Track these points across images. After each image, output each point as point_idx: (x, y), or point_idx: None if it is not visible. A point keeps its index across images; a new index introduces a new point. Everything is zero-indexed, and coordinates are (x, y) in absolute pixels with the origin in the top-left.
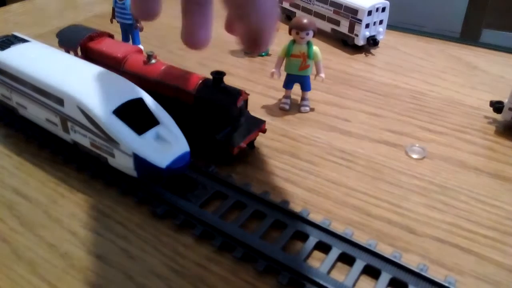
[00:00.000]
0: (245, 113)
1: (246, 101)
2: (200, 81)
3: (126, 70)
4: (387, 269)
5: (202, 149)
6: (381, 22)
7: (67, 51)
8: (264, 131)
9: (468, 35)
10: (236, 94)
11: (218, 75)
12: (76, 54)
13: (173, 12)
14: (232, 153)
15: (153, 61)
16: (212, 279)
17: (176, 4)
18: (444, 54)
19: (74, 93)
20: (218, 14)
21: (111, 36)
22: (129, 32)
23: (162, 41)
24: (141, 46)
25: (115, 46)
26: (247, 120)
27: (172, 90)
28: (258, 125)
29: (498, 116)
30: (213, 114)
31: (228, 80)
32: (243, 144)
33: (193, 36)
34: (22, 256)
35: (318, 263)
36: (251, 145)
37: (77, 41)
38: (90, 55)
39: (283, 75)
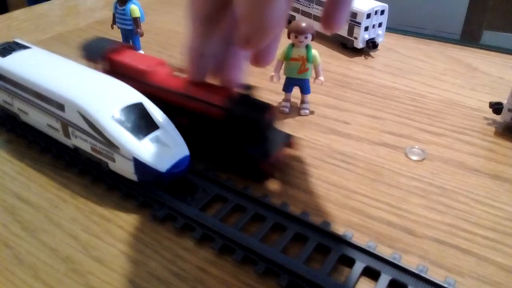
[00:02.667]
0: (273, 127)
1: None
2: (229, 95)
3: (152, 83)
4: (387, 271)
5: (230, 164)
6: (380, 24)
7: (92, 64)
8: (292, 146)
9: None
10: (266, 108)
11: (248, 89)
12: (101, 67)
13: (173, 17)
14: (262, 168)
15: (181, 74)
16: (212, 282)
17: (177, 10)
18: (443, 56)
19: (75, 98)
20: None
21: (133, 49)
22: (130, 37)
23: (162, 46)
24: (141, 51)
25: (140, 59)
26: (275, 134)
27: (200, 104)
28: (286, 140)
29: (498, 117)
30: (242, 128)
31: None
32: (273, 159)
33: (227, 78)
34: (24, 260)
35: (318, 265)
36: (280, 160)
37: (102, 54)
38: (114, 68)
39: (283, 78)
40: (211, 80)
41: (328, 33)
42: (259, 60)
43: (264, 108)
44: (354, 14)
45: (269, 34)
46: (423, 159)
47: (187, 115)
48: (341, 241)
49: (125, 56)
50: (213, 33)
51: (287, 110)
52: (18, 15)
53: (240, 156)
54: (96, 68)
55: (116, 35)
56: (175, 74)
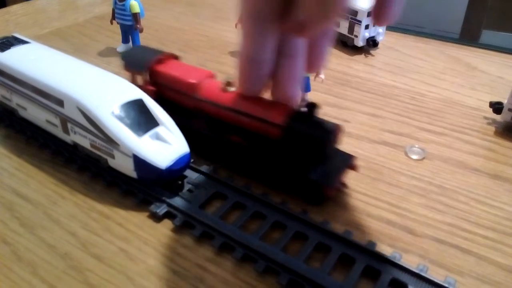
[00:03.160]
0: (335, 147)
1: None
2: (289, 112)
3: (201, 97)
4: (387, 270)
5: (288, 187)
6: None
7: (134, 76)
8: (355, 168)
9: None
10: (333, 128)
11: (312, 107)
12: (144, 79)
13: (172, 13)
14: (326, 194)
15: (232, 88)
16: (212, 280)
17: (176, 6)
18: (443, 55)
19: (74, 94)
20: (218, 15)
21: (177, 58)
22: (129, 33)
23: (162, 42)
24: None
25: (187, 70)
26: (337, 155)
27: (255, 122)
28: (347, 161)
29: (498, 117)
30: (305, 150)
31: None
32: (338, 184)
33: (283, 93)
34: (22, 257)
35: (318, 264)
36: (343, 184)
37: (145, 65)
38: (158, 80)
39: None
40: (265, 95)
41: (379, 26)
42: (312, 64)
43: (329, 127)
44: (354, 12)
45: (331, 17)
46: (423, 158)
47: (240, 133)
48: (341, 240)
49: (170, 67)
50: (268, 35)
51: None
52: (16, 9)
53: (301, 180)
54: (133, 81)
55: (115, 30)
56: (226, 88)
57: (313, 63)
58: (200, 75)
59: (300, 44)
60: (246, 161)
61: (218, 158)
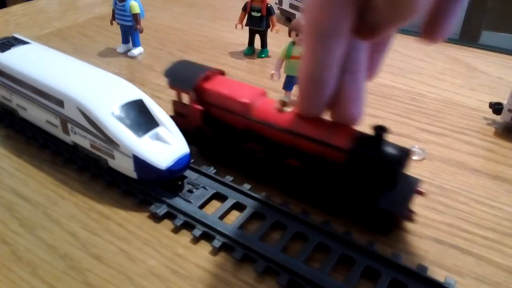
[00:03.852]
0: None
1: None
2: (355, 135)
3: (255, 118)
4: (387, 271)
5: (353, 215)
6: None
7: (179, 94)
8: (422, 193)
9: (468, 36)
10: (404, 153)
11: (380, 130)
12: (191, 97)
13: (172, 14)
14: (397, 223)
15: (288, 108)
16: (211, 280)
17: (176, 6)
18: (443, 56)
19: (74, 94)
20: (217, 16)
21: (223, 74)
22: (129, 33)
23: (161, 42)
24: (140, 48)
25: (237, 88)
26: (405, 181)
27: (315, 145)
28: (414, 185)
29: (497, 118)
30: (373, 176)
31: None
32: (408, 212)
33: (345, 113)
34: (22, 257)
35: (318, 264)
36: (412, 211)
37: (192, 82)
38: (206, 98)
39: (283, 76)
40: (324, 115)
41: (431, 43)
42: (371, 72)
43: (400, 152)
44: None
45: (405, 16)
46: (423, 158)
47: (298, 156)
48: (341, 240)
49: (219, 84)
50: (333, 52)
51: None
52: (16, 10)
53: (369, 208)
54: (179, 99)
55: (115, 30)
56: (281, 108)
57: (372, 70)
58: (252, 93)
59: (363, 59)
60: (304, 186)
61: (273, 182)
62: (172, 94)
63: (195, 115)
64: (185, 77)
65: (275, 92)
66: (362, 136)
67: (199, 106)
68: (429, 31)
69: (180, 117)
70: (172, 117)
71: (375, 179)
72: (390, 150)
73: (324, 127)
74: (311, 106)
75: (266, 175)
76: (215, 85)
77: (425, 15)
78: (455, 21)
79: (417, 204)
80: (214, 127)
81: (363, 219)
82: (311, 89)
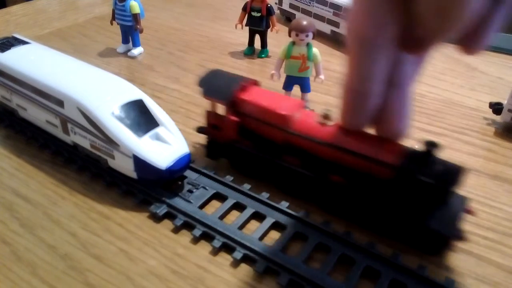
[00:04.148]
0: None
1: None
2: (403, 151)
3: (295, 131)
4: (387, 271)
5: (400, 234)
6: None
7: (214, 104)
8: (471, 213)
9: None
10: (456, 170)
11: (431, 146)
12: (226, 108)
13: (172, 14)
14: (448, 244)
15: (329, 121)
16: (211, 280)
17: (176, 6)
18: (443, 56)
19: (74, 94)
20: (217, 16)
21: (257, 83)
22: (129, 33)
23: (161, 42)
24: (140, 48)
25: (274, 99)
26: (455, 199)
27: (360, 160)
28: (462, 204)
29: (497, 118)
30: (423, 194)
31: None
32: (459, 232)
33: (391, 128)
34: (22, 257)
35: (318, 264)
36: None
37: (228, 93)
38: (242, 109)
39: (283, 76)
40: (368, 129)
41: (469, 55)
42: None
43: (453, 170)
44: None
45: (452, 28)
46: None
47: (341, 171)
48: (341, 240)
49: (255, 95)
50: (379, 63)
51: None
52: (16, 10)
53: (419, 228)
54: (213, 110)
55: (115, 30)
56: (323, 121)
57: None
58: (290, 105)
59: (409, 72)
60: (347, 203)
61: (312, 198)
62: (195, 104)
63: (230, 127)
64: (220, 87)
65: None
66: (411, 152)
67: (235, 118)
68: (467, 42)
69: (213, 128)
70: (204, 128)
71: (425, 198)
72: (441, 167)
73: (369, 141)
74: (354, 118)
75: (305, 191)
76: (251, 96)
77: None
78: (496, 31)
79: None
80: (250, 139)
81: (411, 240)
82: (355, 101)
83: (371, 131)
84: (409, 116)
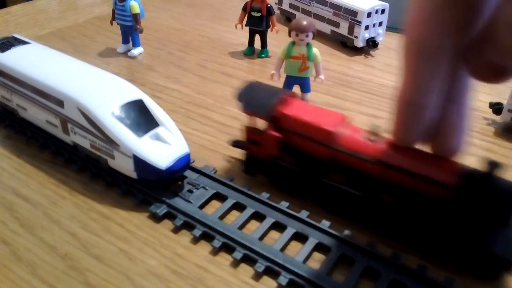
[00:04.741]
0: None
1: None
2: (461, 170)
3: (341, 147)
4: (387, 270)
5: (456, 258)
6: (380, 24)
7: (253, 119)
8: None
9: None
10: None
11: (493, 166)
12: (268, 123)
13: (172, 14)
14: (510, 269)
15: (378, 138)
16: (211, 280)
17: (176, 6)
18: None
19: (74, 94)
20: (218, 16)
21: (295, 96)
22: (129, 34)
23: (161, 42)
24: (140, 48)
25: (317, 114)
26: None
27: (413, 179)
28: None
29: (497, 118)
30: (484, 216)
31: (228, 81)
32: None
33: (447, 145)
34: (22, 257)
35: (318, 264)
36: None
37: (269, 107)
38: (283, 124)
39: (283, 76)
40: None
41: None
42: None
43: None
44: (354, 13)
45: None
46: None
47: (392, 190)
48: (341, 240)
49: (298, 110)
50: (437, 75)
51: None
52: (16, 10)
53: (477, 251)
54: (253, 125)
55: (115, 30)
56: (371, 137)
57: None
58: (335, 119)
59: (468, 87)
60: (397, 223)
61: (360, 218)
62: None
63: (271, 143)
64: (260, 101)
65: None
66: (470, 171)
67: (276, 133)
68: (437, 149)
69: (252, 144)
70: (241, 142)
71: (485, 220)
72: (503, 186)
73: (423, 159)
74: (408, 133)
75: (351, 211)
76: (293, 110)
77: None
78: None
79: None
80: (292, 156)
81: (467, 263)
82: (410, 114)
83: (423, 148)
84: (466, 132)
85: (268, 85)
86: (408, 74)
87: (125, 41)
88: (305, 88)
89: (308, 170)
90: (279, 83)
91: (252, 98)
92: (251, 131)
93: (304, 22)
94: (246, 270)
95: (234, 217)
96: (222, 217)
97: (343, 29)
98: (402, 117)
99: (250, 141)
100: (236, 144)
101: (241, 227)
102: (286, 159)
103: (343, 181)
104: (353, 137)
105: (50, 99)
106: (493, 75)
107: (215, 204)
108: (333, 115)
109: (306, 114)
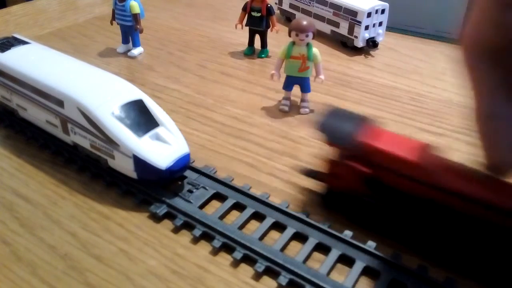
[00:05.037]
0: None
1: None
2: None
3: (441, 185)
4: (387, 271)
5: None
6: (380, 24)
7: (337, 151)
8: None
9: None
10: None
11: None
12: (355, 158)
13: (172, 14)
14: None
15: (479, 174)
16: (211, 280)
17: (176, 6)
18: (443, 56)
19: (74, 94)
20: (218, 16)
21: (376, 123)
22: (129, 34)
23: (161, 42)
24: (140, 48)
25: (408, 147)
26: None
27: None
28: None
29: None
30: None
31: (228, 81)
32: None
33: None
34: (22, 257)
35: (318, 264)
36: None
37: (355, 139)
38: (372, 159)
39: (283, 76)
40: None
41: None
42: None
43: None
44: (354, 13)
45: None
46: None
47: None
48: (341, 240)
49: (385, 141)
50: (506, 78)
51: (287, 108)
52: (16, 10)
53: None
54: (337, 158)
55: (115, 30)
56: (468, 172)
57: None
58: (427, 153)
59: None
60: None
61: (461, 266)
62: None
63: (356, 178)
64: (343, 131)
65: (275, 92)
66: None
67: (364, 168)
68: None
69: (333, 178)
70: (319, 173)
71: None
72: None
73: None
74: (500, 152)
75: (455, 258)
76: (381, 143)
77: None
78: None
79: None
80: (380, 193)
81: None
82: (492, 130)
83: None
84: None
85: (348, 111)
86: (476, 84)
87: (125, 41)
88: (305, 88)
89: (403, 211)
90: (279, 83)
91: (334, 128)
92: (333, 164)
93: (304, 22)
94: (246, 270)
95: (234, 217)
96: (222, 217)
97: (343, 29)
98: (486, 135)
99: (332, 174)
100: (312, 175)
101: (241, 227)
102: (373, 196)
103: (452, 227)
104: (456, 174)
105: (50, 99)
106: None
107: (215, 204)
108: (420, 146)
109: (396, 147)
